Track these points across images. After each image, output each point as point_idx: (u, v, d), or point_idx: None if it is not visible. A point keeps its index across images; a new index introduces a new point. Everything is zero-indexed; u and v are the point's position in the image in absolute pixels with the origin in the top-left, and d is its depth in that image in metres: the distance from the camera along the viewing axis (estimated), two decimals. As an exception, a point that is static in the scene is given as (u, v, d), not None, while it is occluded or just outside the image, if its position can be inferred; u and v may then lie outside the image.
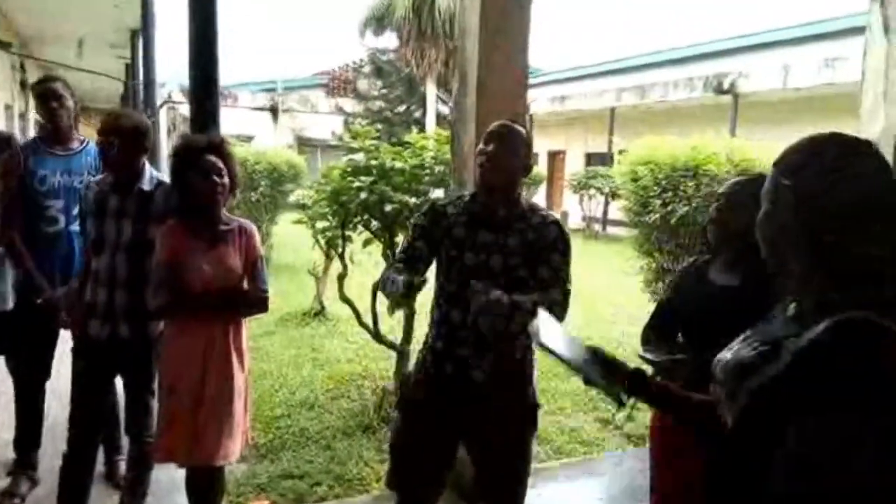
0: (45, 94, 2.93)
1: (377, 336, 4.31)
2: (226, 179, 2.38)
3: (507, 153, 2.05)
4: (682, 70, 16.24)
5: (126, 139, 2.50)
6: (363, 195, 4.11)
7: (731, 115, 13.54)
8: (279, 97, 24.10)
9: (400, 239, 4.37)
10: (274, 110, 23.67)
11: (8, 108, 9.21)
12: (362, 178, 4.14)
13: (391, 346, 4.33)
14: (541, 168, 19.62)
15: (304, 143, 21.36)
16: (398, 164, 4.17)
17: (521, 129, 2.11)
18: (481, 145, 2.07)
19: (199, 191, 2.33)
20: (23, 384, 3.08)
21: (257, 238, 2.52)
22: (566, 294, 2.02)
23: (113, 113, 2.66)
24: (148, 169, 2.60)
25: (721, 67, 14.78)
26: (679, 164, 4.91)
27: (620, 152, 5.69)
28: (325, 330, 6.39)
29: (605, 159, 16.68)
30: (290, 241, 9.57)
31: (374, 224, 4.33)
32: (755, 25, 21.78)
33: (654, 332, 2.13)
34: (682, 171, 4.90)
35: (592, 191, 16.28)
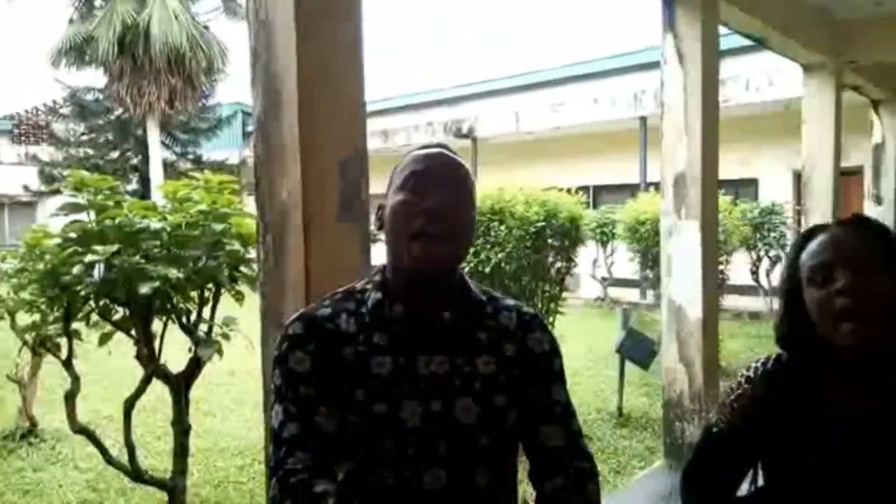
0: None
1: (137, 475, 2.95)
2: None
3: (462, 207, 1.16)
4: (422, 115, 16.64)
5: None
6: (99, 272, 2.80)
7: (472, 158, 14.06)
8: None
9: (159, 328, 3.12)
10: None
11: None
12: (97, 247, 2.82)
13: (161, 484, 3.00)
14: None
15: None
16: (153, 224, 2.93)
17: (459, 158, 1.22)
18: (403, 195, 1.14)
19: None
20: None
21: None
22: (593, 469, 1.21)
23: None
24: None
25: (458, 114, 15.41)
26: (486, 208, 4.42)
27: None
28: (40, 458, 4.54)
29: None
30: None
31: (118, 311, 3.01)
32: (488, 73, 23.69)
33: (715, 484, 1.31)
34: (490, 215, 4.42)
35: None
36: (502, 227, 4.36)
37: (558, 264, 4.84)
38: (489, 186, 4.82)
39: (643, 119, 11.94)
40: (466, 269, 4.40)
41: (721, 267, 6.92)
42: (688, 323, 3.98)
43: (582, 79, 14.04)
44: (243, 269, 3.10)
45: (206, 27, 17.49)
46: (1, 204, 20.16)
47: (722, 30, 4.33)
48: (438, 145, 1.23)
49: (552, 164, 13.29)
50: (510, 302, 1.28)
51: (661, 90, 4.16)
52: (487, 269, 4.36)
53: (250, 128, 21.59)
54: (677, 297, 4.02)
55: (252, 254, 3.02)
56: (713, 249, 4.20)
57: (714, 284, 4.15)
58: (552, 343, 1.25)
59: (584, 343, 7.48)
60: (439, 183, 1.14)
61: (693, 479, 1.32)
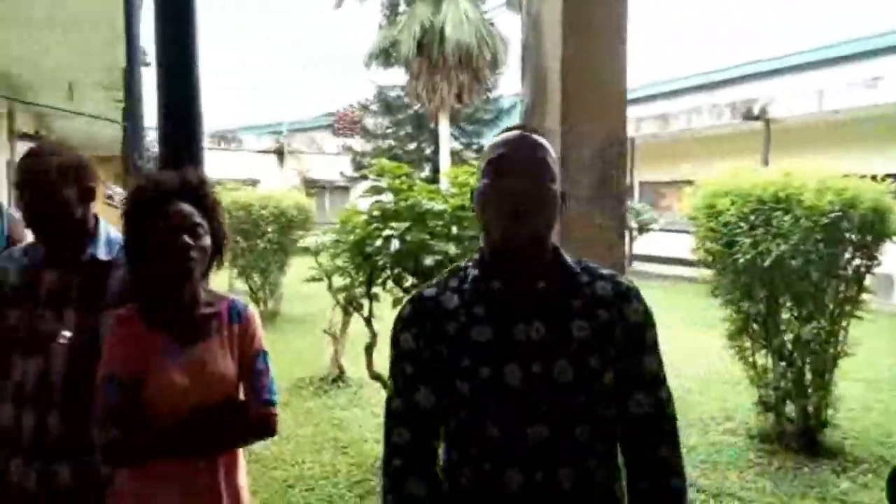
0: None
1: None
2: (206, 239, 1.56)
3: (542, 185, 1.21)
4: (705, 97, 15.57)
5: (50, 184, 1.66)
6: (394, 245, 3.30)
7: (763, 142, 12.75)
8: (285, 139, 23.62)
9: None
10: (279, 152, 23.16)
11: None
12: (393, 224, 3.33)
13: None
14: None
15: (310, 185, 20.75)
16: (437, 206, 3.36)
17: (540, 138, 1.28)
18: (488, 178, 1.23)
19: (164, 258, 1.51)
20: None
21: (257, 323, 1.67)
22: (679, 456, 1.26)
23: (32, 150, 1.79)
24: (103, 228, 1.77)
25: (748, 93, 14.08)
26: (767, 196, 4.08)
27: (688, 183, 4.83)
28: (345, 399, 5.48)
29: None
30: (300, 291, 8.76)
31: (409, 280, 3.50)
32: (783, 48, 21.21)
33: None
34: (773, 204, 4.07)
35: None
36: (787, 218, 3.97)
37: (856, 262, 4.26)
38: (772, 171, 4.43)
39: None
40: (742, 260, 4.12)
41: None
42: None
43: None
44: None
45: (491, 23, 18.62)
46: (323, 188, 23.93)
47: None
48: (518, 128, 1.30)
49: (861, 148, 11.45)
50: (606, 272, 1.31)
51: None
52: (767, 263, 4.02)
53: (529, 117, 22.52)
54: None
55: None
56: None
57: None
58: (647, 314, 1.29)
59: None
60: (520, 164, 1.21)
61: None
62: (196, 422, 1.51)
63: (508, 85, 22.66)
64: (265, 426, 1.61)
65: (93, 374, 1.50)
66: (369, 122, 22.99)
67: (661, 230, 14.67)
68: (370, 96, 23.04)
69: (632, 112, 17.85)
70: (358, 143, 22.60)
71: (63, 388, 1.61)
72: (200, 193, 1.60)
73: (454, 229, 3.41)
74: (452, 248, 3.26)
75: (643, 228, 14.68)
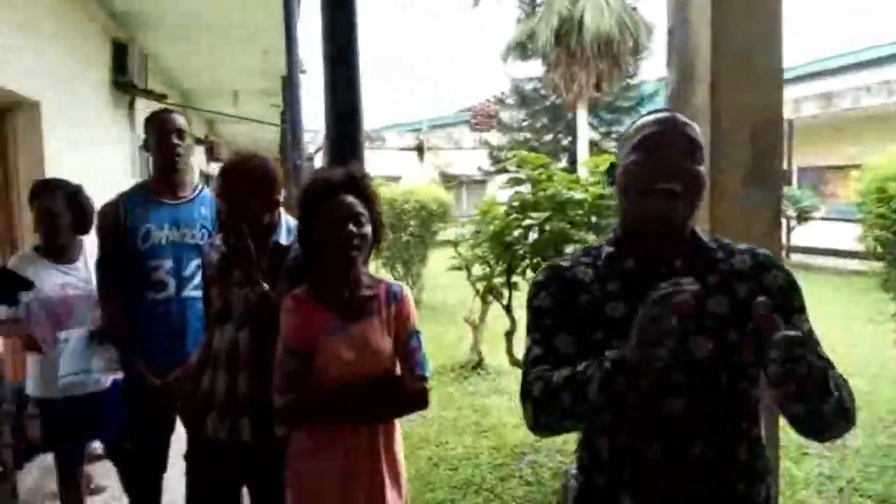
0: (163, 126, 2.41)
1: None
2: (368, 228, 1.71)
3: (692, 165, 1.20)
4: (872, 74, 14.06)
5: (258, 185, 1.91)
6: (533, 235, 3.35)
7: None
8: (424, 136, 24.33)
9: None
10: (419, 149, 23.89)
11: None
12: (532, 214, 3.38)
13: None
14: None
15: (448, 180, 21.25)
16: (577, 195, 3.36)
17: (686, 119, 1.25)
18: (636, 156, 1.22)
19: (331, 245, 1.68)
20: (132, 480, 2.59)
21: (412, 304, 1.82)
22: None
23: (238, 154, 2.07)
24: (284, 218, 2.01)
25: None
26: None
27: (855, 167, 4.45)
28: (486, 386, 5.63)
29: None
30: (440, 281, 9.06)
31: (548, 269, 3.54)
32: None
33: None
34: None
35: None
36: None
37: None
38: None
39: None
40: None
41: None
42: None
43: None
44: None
45: (633, 8, 17.98)
46: (461, 182, 24.36)
47: None
48: (668, 110, 1.29)
49: None
50: (743, 246, 1.29)
51: None
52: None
53: (672, 103, 21.44)
54: None
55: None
56: None
57: None
58: (788, 278, 1.26)
59: None
60: (670, 143, 1.20)
61: None
62: (359, 391, 1.67)
63: (650, 70, 21.80)
64: (420, 399, 1.75)
65: (273, 343, 1.71)
66: (505, 115, 23.09)
67: (822, 219, 13.48)
68: (506, 90, 23.15)
69: (789, 92, 16.62)
70: (494, 137, 22.78)
71: (249, 354, 1.85)
72: (362, 186, 1.76)
73: (594, 218, 3.40)
74: (592, 237, 3.25)
75: (802, 217, 13.54)
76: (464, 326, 6.30)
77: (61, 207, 2.57)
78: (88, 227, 2.66)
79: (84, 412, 2.59)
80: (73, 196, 2.62)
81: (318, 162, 13.10)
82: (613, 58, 17.07)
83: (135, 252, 2.34)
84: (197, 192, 2.52)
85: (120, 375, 2.55)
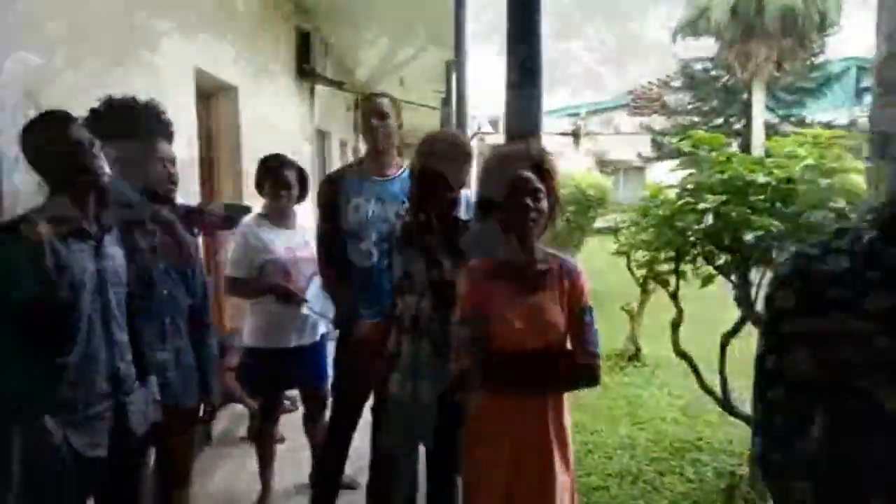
0: (368, 110, 2.65)
1: (727, 406, 3.27)
2: (544, 203, 1.72)
3: None
4: None
5: (458, 161, 2.05)
6: (708, 220, 3.16)
7: None
8: (582, 121, 23.83)
9: (755, 276, 3.31)
10: (576, 134, 23.44)
11: (343, 144, 10.22)
12: (707, 196, 3.18)
13: (747, 419, 3.25)
14: None
15: (605, 166, 20.64)
16: (760, 178, 3.12)
17: None
18: None
19: (509, 217, 1.71)
20: (329, 427, 2.82)
21: (585, 280, 1.81)
22: None
23: (436, 133, 2.22)
24: (464, 194, 2.11)
25: None
26: None
27: None
28: (641, 379, 5.44)
29: None
30: (594, 268, 8.85)
31: (721, 258, 3.33)
32: None
33: None
34: None
35: None
36: None
37: None
38: None
39: None
40: None
41: None
42: None
43: None
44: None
45: (824, -23, 16.27)
46: (618, 169, 23.62)
47: None
48: None
49: None
50: None
51: None
52: None
53: (865, 83, 19.07)
54: None
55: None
56: None
57: None
58: None
59: None
60: None
61: None
62: (531, 361, 1.70)
63: (836, 48, 19.62)
64: (590, 374, 1.74)
65: (451, 309, 1.79)
66: (670, 98, 21.94)
67: None
68: (670, 73, 21.96)
69: None
70: (657, 122, 21.76)
71: (430, 321, 1.95)
72: (540, 162, 1.77)
73: (778, 204, 3.13)
74: (776, 223, 3.00)
75: None
76: (619, 315, 6.12)
77: (294, 181, 3.01)
78: (305, 198, 3.13)
79: (291, 363, 2.99)
80: (300, 172, 3.08)
81: (473, 145, 13.29)
82: (798, 34, 15.56)
83: (346, 224, 2.60)
84: (401, 170, 2.71)
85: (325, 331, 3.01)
